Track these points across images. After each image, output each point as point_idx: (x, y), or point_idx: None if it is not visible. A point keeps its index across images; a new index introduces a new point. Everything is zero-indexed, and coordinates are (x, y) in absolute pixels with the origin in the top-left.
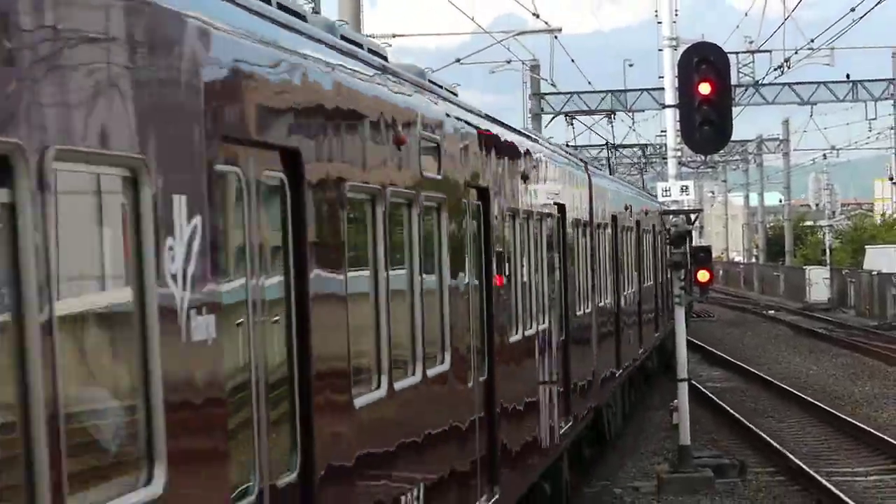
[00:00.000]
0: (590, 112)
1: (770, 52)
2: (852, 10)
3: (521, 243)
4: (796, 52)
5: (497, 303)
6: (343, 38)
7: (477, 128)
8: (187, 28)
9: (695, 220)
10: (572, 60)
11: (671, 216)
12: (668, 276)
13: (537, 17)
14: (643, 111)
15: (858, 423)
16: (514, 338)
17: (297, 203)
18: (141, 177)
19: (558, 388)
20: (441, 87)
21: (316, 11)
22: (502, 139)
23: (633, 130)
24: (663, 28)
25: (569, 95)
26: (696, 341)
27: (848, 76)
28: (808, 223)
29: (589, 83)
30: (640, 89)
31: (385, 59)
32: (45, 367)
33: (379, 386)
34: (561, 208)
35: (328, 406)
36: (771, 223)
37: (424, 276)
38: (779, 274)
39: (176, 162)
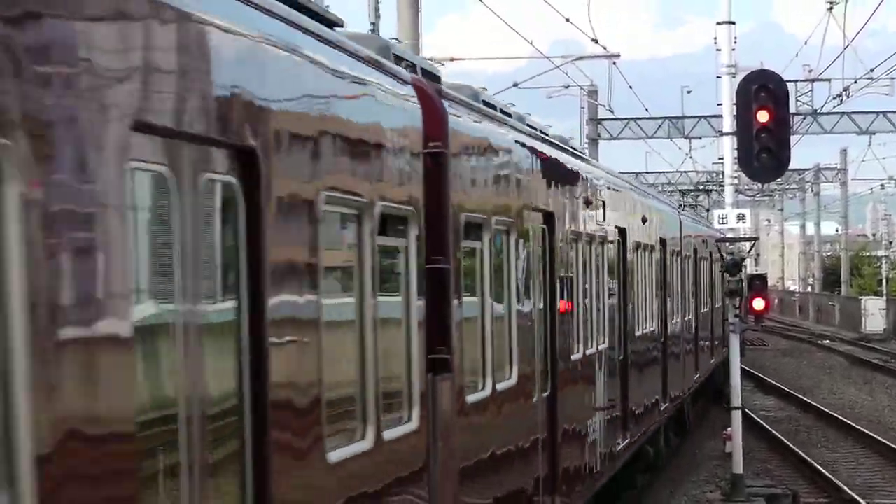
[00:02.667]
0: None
1: (829, 80)
2: None
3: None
4: (856, 82)
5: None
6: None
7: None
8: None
9: (751, 249)
10: (630, 87)
11: (727, 244)
12: (724, 303)
13: (596, 42)
14: (700, 138)
15: None
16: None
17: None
18: None
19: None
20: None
21: (374, 31)
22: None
23: (690, 157)
24: (722, 55)
25: (626, 121)
26: (751, 370)
27: None
28: (866, 253)
29: (646, 109)
30: (697, 116)
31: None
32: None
33: None
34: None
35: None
36: (827, 252)
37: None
38: (834, 304)
39: None
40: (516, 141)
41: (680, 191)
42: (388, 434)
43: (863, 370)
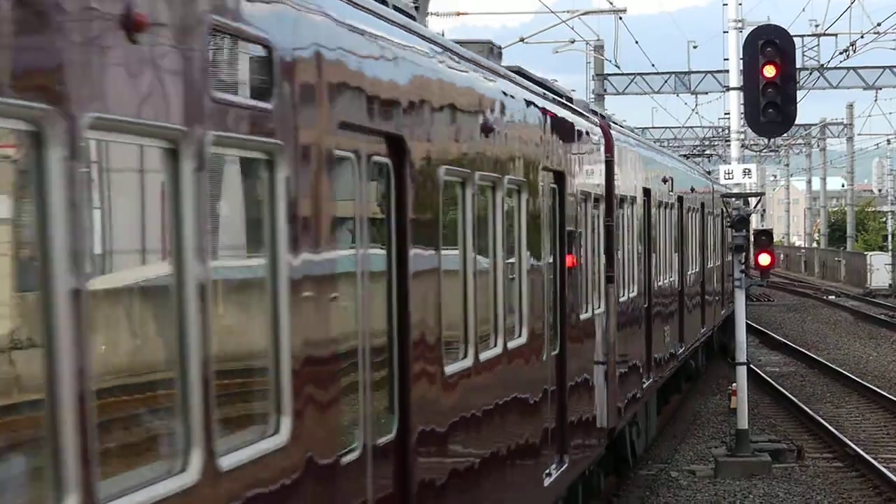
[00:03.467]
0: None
1: (836, 35)
2: None
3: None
4: (862, 36)
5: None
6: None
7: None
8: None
9: (757, 204)
10: (636, 42)
11: (733, 199)
12: (731, 258)
13: None
14: (707, 93)
15: None
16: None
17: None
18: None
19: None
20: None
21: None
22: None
23: (696, 113)
24: (729, 10)
25: (632, 77)
26: (756, 325)
27: None
28: (871, 208)
29: (653, 65)
30: (704, 71)
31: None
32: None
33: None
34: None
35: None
36: (833, 208)
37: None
38: (840, 259)
39: None
40: (628, 142)
41: (687, 147)
42: (482, 355)
43: (868, 325)
